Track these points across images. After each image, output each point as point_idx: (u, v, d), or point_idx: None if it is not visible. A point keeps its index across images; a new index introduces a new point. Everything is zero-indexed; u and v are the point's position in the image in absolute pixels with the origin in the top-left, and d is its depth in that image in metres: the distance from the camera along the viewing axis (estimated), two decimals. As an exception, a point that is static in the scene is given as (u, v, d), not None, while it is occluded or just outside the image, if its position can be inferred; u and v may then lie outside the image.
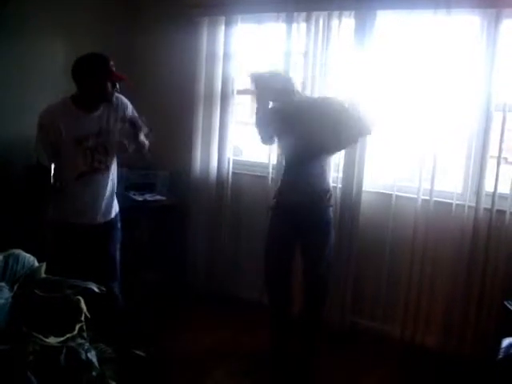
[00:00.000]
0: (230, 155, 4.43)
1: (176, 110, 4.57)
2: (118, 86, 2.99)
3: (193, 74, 4.44)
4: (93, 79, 2.92)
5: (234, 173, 4.40)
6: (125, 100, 3.20)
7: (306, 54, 4.03)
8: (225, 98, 4.40)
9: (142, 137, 3.09)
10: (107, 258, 3.25)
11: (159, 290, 4.23)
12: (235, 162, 4.42)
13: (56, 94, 3.99)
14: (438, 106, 3.65)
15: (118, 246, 3.29)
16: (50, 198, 3.15)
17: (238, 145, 4.60)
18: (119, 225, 3.31)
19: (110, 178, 3.19)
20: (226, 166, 4.43)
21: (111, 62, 2.95)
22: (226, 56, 4.36)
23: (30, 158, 3.84)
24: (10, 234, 3.39)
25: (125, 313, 3.35)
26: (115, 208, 3.29)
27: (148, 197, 3.87)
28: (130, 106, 3.22)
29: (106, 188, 3.18)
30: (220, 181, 4.44)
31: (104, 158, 3.10)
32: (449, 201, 3.69)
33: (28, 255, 2.06)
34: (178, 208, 4.42)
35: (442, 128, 3.67)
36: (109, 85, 2.94)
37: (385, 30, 3.87)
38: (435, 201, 3.70)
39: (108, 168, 3.16)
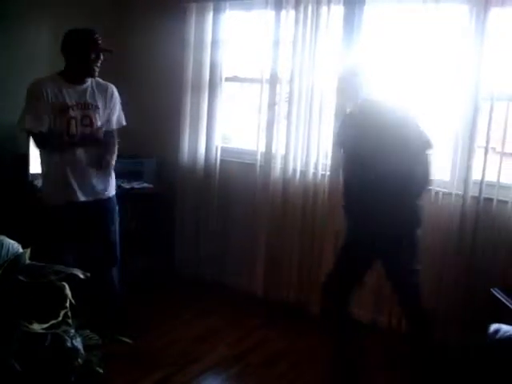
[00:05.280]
0: (218, 143, 4.41)
1: (164, 97, 4.53)
2: (102, 57, 3.10)
3: (181, 61, 4.40)
4: (79, 51, 3.05)
5: (222, 160, 4.38)
6: (115, 90, 3.32)
7: (294, 42, 4.01)
8: (213, 85, 4.37)
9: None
10: (106, 242, 3.34)
11: (147, 277, 4.22)
12: (223, 150, 4.40)
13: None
14: (427, 94, 3.64)
15: (117, 230, 3.37)
16: (42, 182, 3.25)
17: (227, 132, 4.56)
18: (117, 208, 3.39)
19: (97, 153, 3.21)
20: (214, 154, 4.41)
21: (96, 35, 3.08)
22: (214, 43, 4.33)
23: (17, 147, 3.85)
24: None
25: (118, 299, 3.41)
26: (112, 188, 3.36)
27: (135, 185, 3.84)
28: (117, 97, 3.33)
29: (92, 162, 3.21)
30: (208, 168, 4.42)
31: (88, 130, 3.17)
32: (436, 188, 3.70)
33: (12, 241, 2.04)
34: (166, 196, 4.40)
35: (430, 116, 3.67)
36: (93, 55, 3.07)
37: (374, 18, 3.85)
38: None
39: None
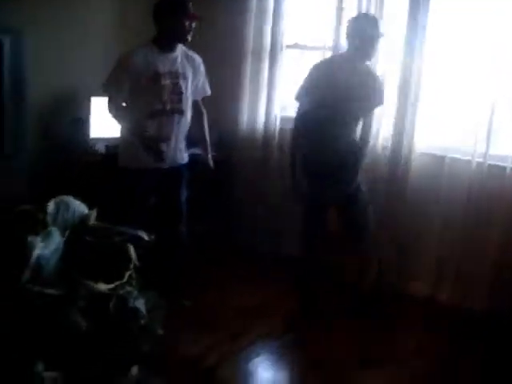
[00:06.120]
0: (277, 111, 4.37)
1: (223, 65, 4.45)
2: (193, 25, 3.16)
3: (241, 29, 4.35)
4: (172, 18, 3.11)
5: (281, 129, 4.33)
6: (201, 61, 3.40)
7: (358, 8, 3.88)
8: (273, 53, 4.31)
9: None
10: (176, 203, 3.44)
11: (204, 241, 4.24)
12: (282, 119, 4.35)
13: (102, 48, 4.06)
14: (495, 67, 3.52)
15: (186, 193, 3.47)
16: (120, 145, 3.33)
17: (287, 101, 4.46)
18: (188, 175, 3.47)
19: (184, 123, 3.33)
20: (273, 122, 4.37)
21: (190, 4, 3.15)
22: (275, 9, 4.25)
23: (78, 111, 3.92)
24: (61, 182, 3.47)
25: (182, 260, 3.51)
26: (186, 157, 3.45)
27: (195, 151, 3.85)
28: (203, 68, 3.41)
29: (178, 132, 3.31)
30: (266, 137, 4.39)
31: (178, 99, 3.24)
32: (503, 164, 3.57)
33: (78, 202, 2.05)
34: (225, 163, 4.39)
35: (499, 90, 3.53)
36: (186, 24, 3.12)
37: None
38: (489, 164, 3.59)
39: (182, 113, 3.28)
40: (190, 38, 3.20)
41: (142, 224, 2.24)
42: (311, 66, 3.49)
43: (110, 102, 3.18)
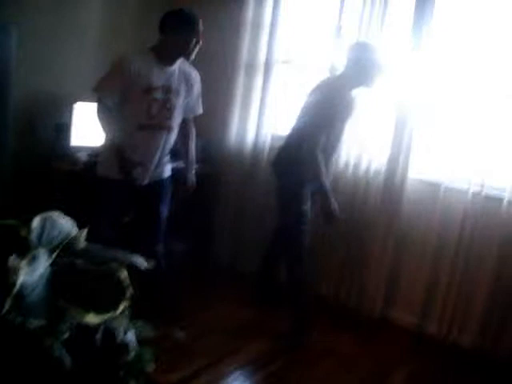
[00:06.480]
0: (268, 129, 4.21)
1: (215, 77, 4.25)
2: (199, 44, 3.01)
3: (235, 42, 4.21)
4: (182, 33, 2.95)
5: (271, 148, 4.14)
6: (197, 78, 3.23)
7: (359, 27, 3.77)
8: (267, 68, 4.17)
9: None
10: (154, 219, 3.27)
11: (184, 262, 4.07)
12: (273, 137, 4.19)
13: (88, 54, 3.93)
14: (495, 93, 3.44)
15: (167, 209, 3.30)
16: (101, 153, 3.17)
17: (278, 118, 4.30)
18: (170, 189, 3.31)
19: (171, 140, 3.18)
20: (263, 140, 4.22)
21: (201, 22, 2.99)
22: (272, 24, 4.11)
23: (59, 117, 3.73)
24: (46, 196, 3.27)
25: (165, 281, 3.32)
26: (168, 170, 3.30)
27: (180, 164, 3.67)
28: (198, 85, 3.26)
29: (164, 149, 3.16)
30: (255, 154, 4.23)
31: (168, 115, 3.09)
32: (499, 196, 3.47)
33: (66, 219, 1.84)
34: (210, 178, 4.21)
35: (497, 120, 3.44)
36: (193, 42, 2.97)
37: (447, 5, 3.62)
38: (485, 195, 3.49)
39: (170, 129, 3.14)
40: (193, 57, 3.06)
41: (117, 240, 2.06)
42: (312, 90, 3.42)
43: (99, 105, 2.99)
